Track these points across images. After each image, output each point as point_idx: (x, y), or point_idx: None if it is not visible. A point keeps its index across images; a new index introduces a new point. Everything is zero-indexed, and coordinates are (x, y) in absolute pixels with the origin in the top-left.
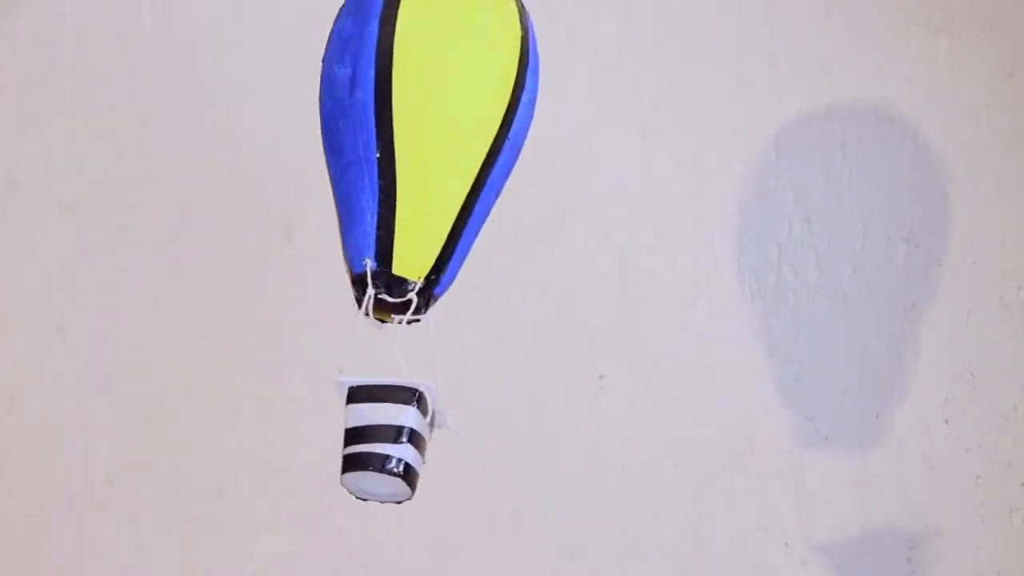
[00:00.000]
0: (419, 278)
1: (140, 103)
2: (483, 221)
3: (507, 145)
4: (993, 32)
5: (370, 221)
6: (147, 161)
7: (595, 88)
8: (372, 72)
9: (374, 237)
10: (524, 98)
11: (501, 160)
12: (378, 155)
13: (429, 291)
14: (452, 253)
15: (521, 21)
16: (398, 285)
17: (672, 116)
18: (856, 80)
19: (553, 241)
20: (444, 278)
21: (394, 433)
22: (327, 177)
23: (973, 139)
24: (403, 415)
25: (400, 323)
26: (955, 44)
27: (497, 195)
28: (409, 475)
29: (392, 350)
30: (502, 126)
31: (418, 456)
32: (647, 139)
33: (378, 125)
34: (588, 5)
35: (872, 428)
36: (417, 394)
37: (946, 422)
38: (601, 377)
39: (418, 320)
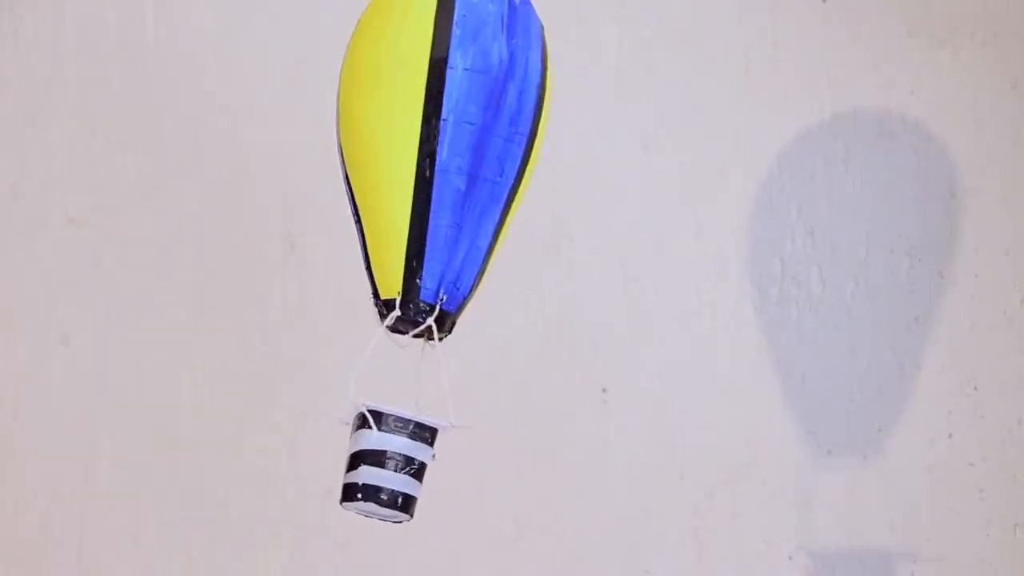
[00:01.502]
0: (397, 294)
1: (143, 114)
2: (456, 214)
3: (447, 128)
4: (995, 45)
5: (364, 260)
6: (150, 172)
7: (597, 101)
8: (337, 137)
9: (368, 273)
10: (451, 75)
11: (448, 150)
12: (352, 200)
13: (411, 303)
14: (422, 260)
15: (440, 15)
16: (388, 308)
17: (674, 129)
18: (859, 93)
19: (555, 254)
20: (427, 285)
21: (390, 462)
22: (331, 187)
23: (976, 152)
24: (394, 443)
25: (413, 338)
26: (957, 57)
27: (470, 185)
28: (406, 504)
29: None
30: (427, 116)
31: (409, 481)
32: (649, 152)
33: (346, 178)
34: (590, 18)
35: (875, 441)
36: (412, 424)
37: (949, 436)
38: (604, 391)
39: (423, 333)
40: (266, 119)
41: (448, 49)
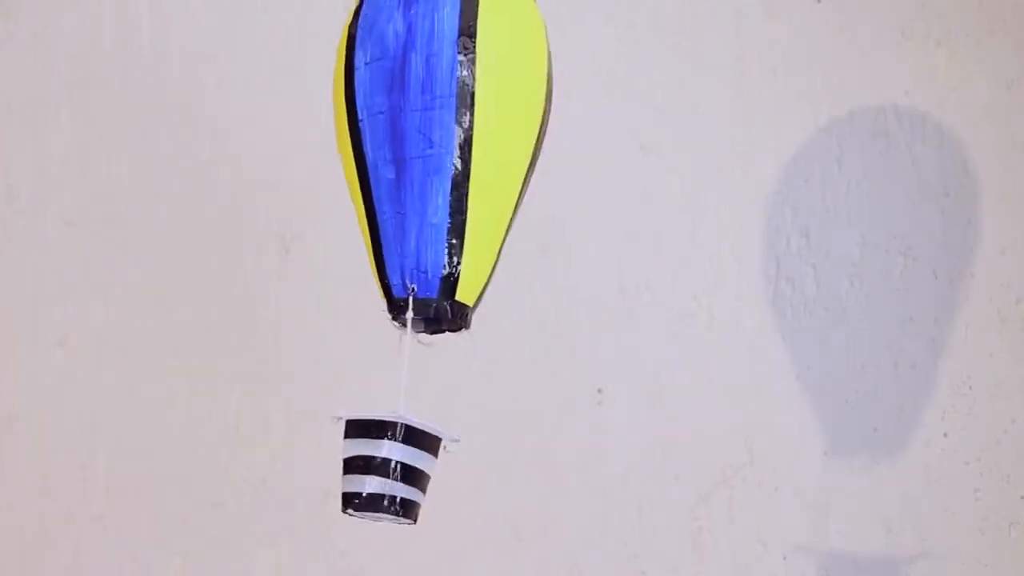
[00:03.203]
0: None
1: (139, 117)
2: (395, 202)
3: (365, 127)
4: (991, 45)
5: None
6: (146, 175)
7: (594, 102)
8: None
9: None
10: (358, 75)
11: (371, 146)
12: None
13: (392, 304)
14: (383, 259)
15: (352, 22)
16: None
17: (671, 130)
18: (854, 93)
19: (551, 255)
20: (394, 282)
21: (376, 467)
22: (326, 190)
23: (971, 152)
24: (382, 448)
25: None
26: (953, 57)
27: (398, 170)
28: (406, 507)
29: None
30: (351, 122)
31: (406, 487)
32: (646, 153)
33: None
34: (587, 19)
35: (870, 441)
36: (396, 427)
37: (944, 435)
38: (600, 391)
39: (440, 329)
40: (262, 122)
41: (354, 52)
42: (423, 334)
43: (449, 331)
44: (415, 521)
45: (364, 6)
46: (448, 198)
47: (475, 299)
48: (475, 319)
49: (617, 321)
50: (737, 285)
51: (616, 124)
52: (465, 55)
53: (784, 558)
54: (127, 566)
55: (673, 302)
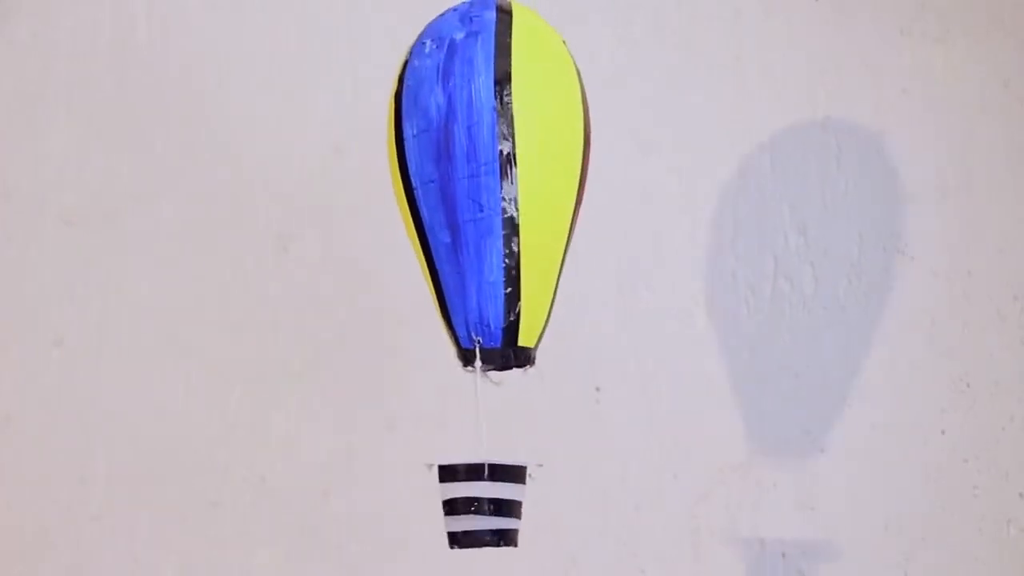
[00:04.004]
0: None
1: (137, 117)
2: (452, 264)
3: (419, 194)
4: (988, 43)
5: None
6: (144, 174)
7: (593, 102)
8: None
9: None
10: (408, 146)
11: (427, 212)
12: None
13: (460, 353)
14: (448, 314)
15: (397, 92)
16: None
17: (668, 128)
18: (851, 91)
19: None
20: (460, 334)
21: (473, 508)
22: (325, 189)
23: (969, 150)
24: (475, 489)
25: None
26: (950, 55)
27: (453, 235)
28: (505, 536)
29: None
30: (407, 189)
31: (501, 519)
32: (643, 151)
33: None
34: (586, 19)
35: (869, 439)
36: (483, 469)
37: (943, 433)
38: (598, 390)
39: (505, 367)
40: (260, 121)
41: (402, 123)
42: (492, 371)
43: (516, 367)
44: (516, 545)
45: (407, 76)
46: (502, 257)
47: (536, 340)
48: None
49: (615, 319)
50: (735, 283)
51: (616, 124)
52: (504, 121)
53: (783, 556)
54: (127, 566)
55: (670, 300)
